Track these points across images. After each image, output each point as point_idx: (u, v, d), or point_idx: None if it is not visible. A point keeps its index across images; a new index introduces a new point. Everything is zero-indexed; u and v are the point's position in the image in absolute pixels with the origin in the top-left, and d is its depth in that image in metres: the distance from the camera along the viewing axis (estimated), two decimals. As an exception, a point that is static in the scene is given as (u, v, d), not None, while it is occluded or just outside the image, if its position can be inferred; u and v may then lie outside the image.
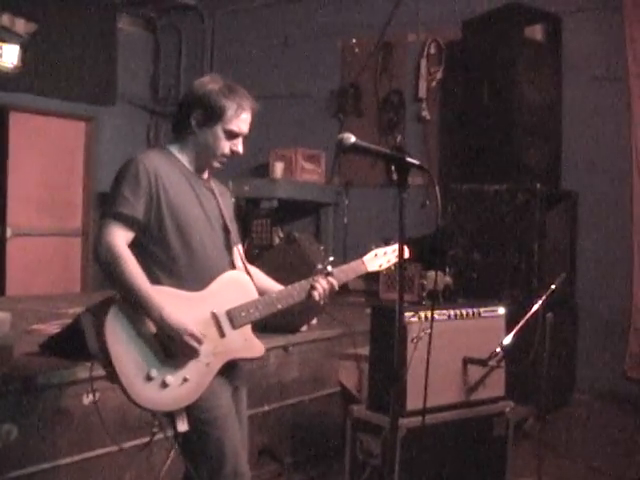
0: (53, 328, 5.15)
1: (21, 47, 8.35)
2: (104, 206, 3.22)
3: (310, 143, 8.99)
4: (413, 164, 2.72)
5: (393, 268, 3.77)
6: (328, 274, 3.48)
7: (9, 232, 8.80)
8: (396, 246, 3.68)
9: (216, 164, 3.37)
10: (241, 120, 3.31)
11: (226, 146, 3.32)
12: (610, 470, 5.59)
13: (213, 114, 3.26)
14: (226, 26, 10.09)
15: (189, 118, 3.30)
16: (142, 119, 10.33)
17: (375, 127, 8.95)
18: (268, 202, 8.42)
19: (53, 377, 4.02)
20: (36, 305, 6.88)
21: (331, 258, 3.60)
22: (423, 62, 8.65)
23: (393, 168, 2.79)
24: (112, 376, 3.11)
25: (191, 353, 3.11)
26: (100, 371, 3.36)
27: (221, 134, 3.29)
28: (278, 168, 8.72)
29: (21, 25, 8.38)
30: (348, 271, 3.61)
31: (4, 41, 8.22)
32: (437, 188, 2.83)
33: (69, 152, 9.56)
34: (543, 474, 5.02)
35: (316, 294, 3.43)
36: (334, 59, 9.32)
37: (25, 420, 3.87)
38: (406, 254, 3.64)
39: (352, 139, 2.77)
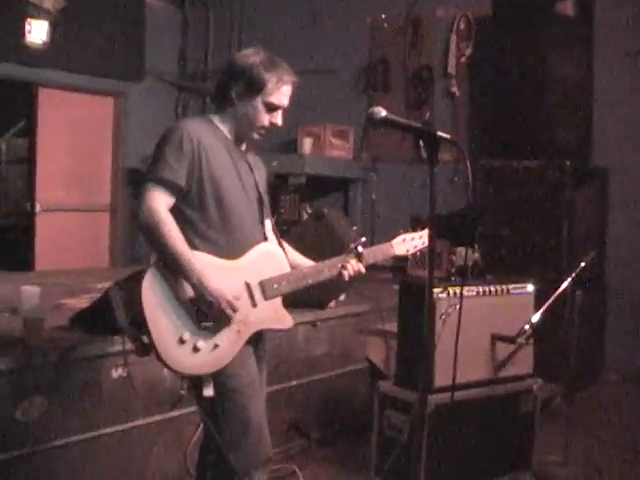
0: (82, 302, 5.19)
1: (50, 23, 8.36)
2: (146, 171, 3.24)
3: (338, 119, 8.96)
4: (444, 138, 2.70)
5: (419, 254, 3.81)
6: (358, 254, 3.52)
7: (38, 207, 8.85)
8: (423, 232, 3.74)
9: (255, 136, 3.40)
10: (281, 93, 3.34)
11: (265, 118, 3.35)
12: (638, 449, 5.57)
13: (254, 86, 3.29)
14: (254, 1, 10.05)
15: (230, 90, 3.33)
16: (170, 94, 10.32)
17: (404, 103, 8.89)
18: (296, 178, 8.41)
19: (82, 351, 4.06)
20: (65, 280, 6.93)
21: (363, 239, 3.62)
22: (452, 37, 8.58)
23: (422, 143, 2.77)
24: (142, 348, 3.13)
25: (225, 320, 3.14)
26: (129, 345, 3.39)
27: (261, 106, 3.32)
28: (306, 144, 8.71)
29: (50, 1, 8.39)
30: (377, 253, 3.66)
31: (33, 17, 8.23)
32: (468, 163, 2.81)
33: (97, 128, 9.57)
34: (570, 452, 5.02)
35: (346, 273, 3.49)
36: (363, 35, 9.26)
37: (55, 393, 3.92)
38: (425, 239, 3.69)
39: (383, 113, 2.75)
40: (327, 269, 3.48)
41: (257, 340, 3.40)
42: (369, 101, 8.98)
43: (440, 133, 2.69)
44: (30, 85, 8.80)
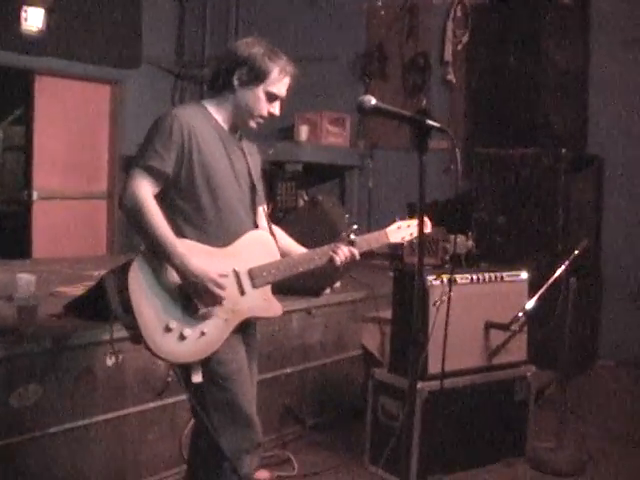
0: (77, 290, 5.19)
1: (46, 11, 8.31)
2: (135, 157, 3.26)
3: (335, 106, 8.93)
4: (433, 126, 2.71)
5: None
6: (351, 242, 3.52)
7: (35, 195, 8.85)
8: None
9: (252, 124, 3.42)
10: (283, 83, 3.38)
11: (264, 108, 3.37)
12: (632, 435, 5.60)
13: (257, 75, 3.32)
14: (251, -12, 10.05)
15: (231, 77, 3.34)
16: (167, 82, 10.28)
17: (400, 90, 8.90)
18: (293, 165, 8.43)
19: (76, 338, 4.06)
20: (61, 267, 6.93)
21: (355, 226, 3.63)
22: (449, 25, 8.57)
23: (413, 131, 2.78)
24: (135, 335, 3.15)
25: (213, 300, 3.16)
26: (123, 333, 3.40)
27: (262, 95, 3.34)
28: (303, 131, 8.72)
29: (46, -12, 8.38)
30: (370, 240, 3.65)
31: (29, 5, 8.20)
32: (457, 151, 2.81)
33: (94, 115, 9.56)
34: (563, 439, 5.04)
35: (337, 259, 3.48)
36: (360, 21, 9.25)
37: (49, 380, 3.92)
38: (428, 228, 3.69)
39: (372, 101, 2.75)
40: (318, 257, 3.48)
41: (246, 328, 3.42)
42: (366, 88, 8.99)
43: (429, 121, 2.70)
44: (27, 73, 8.78)
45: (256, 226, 3.47)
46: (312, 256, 3.48)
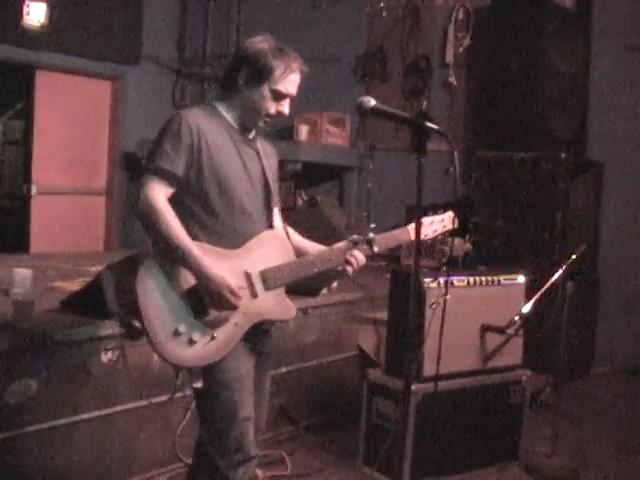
0: (74, 286, 5.19)
1: (48, 5, 8.31)
2: (145, 161, 3.21)
3: (335, 107, 8.93)
4: (431, 129, 2.70)
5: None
6: (369, 241, 3.43)
7: (34, 190, 8.84)
8: (444, 215, 3.63)
9: (261, 123, 3.35)
10: (289, 81, 3.29)
11: (272, 106, 3.30)
12: (626, 442, 5.60)
13: (261, 73, 3.24)
14: (253, -13, 10.04)
15: (237, 76, 3.28)
16: (168, 79, 10.28)
17: (401, 92, 8.91)
18: (292, 165, 8.42)
19: (72, 334, 4.05)
20: (59, 263, 6.93)
21: (372, 225, 3.56)
22: (451, 27, 8.57)
23: (411, 133, 2.76)
24: (132, 332, 3.12)
25: (227, 307, 3.09)
26: (119, 329, 3.40)
27: (267, 94, 3.27)
28: (303, 131, 8.72)
29: (48, -18, 8.37)
30: (390, 239, 3.53)
31: (31, -1, 8.21)
32: (456, 154, 2.79)
33: (95, 111, 9.55)
34: (557, 444, 5.04)
35: (350, 269, 3.39)
36: (361, 23, 9.26)
37: (44, 375, 3.92)
38: (451, 224, 3.61)
39: (372, 102, 2.75)
40: (334, 256, 3.38)
41: (259, 334, 3.35)
42: (366, 90, 8.99)
43: (428, 123, 2.69)
44: (28, 67, 8.78)
45: (271, 227, 3.40)
46: (329, 256, 3.39)
